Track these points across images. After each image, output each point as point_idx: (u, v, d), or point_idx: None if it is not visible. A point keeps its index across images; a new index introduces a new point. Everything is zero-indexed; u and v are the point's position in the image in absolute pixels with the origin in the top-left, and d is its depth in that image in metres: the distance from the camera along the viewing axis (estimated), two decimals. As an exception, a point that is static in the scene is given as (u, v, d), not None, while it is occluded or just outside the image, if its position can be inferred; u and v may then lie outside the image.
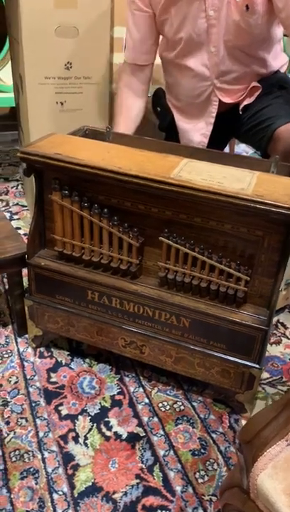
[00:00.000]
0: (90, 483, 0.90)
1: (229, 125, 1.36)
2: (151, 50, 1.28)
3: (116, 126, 1.26)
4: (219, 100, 1.30)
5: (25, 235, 1.67)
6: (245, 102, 1.29)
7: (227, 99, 1.30)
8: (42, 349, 1.20)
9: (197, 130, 1.36)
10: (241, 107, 1.30)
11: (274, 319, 1.36)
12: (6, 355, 1.17)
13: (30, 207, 1.77)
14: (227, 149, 1.73)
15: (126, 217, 0.96)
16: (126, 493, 0.88)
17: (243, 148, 2.35)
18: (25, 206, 1.86)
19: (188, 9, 1.16)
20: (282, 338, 1.29)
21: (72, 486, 0.89)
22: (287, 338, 1.29)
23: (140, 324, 1.03)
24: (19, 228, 1.71)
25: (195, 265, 0.95)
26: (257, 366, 0.96)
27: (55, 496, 0.88)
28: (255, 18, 1.12)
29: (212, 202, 0.84)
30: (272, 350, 1.24)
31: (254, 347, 0.95)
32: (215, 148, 1.45)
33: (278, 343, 1.27)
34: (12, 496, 0.87)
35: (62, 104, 1.43)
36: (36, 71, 1.36)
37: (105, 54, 1.42)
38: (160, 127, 1.54)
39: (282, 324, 1.34)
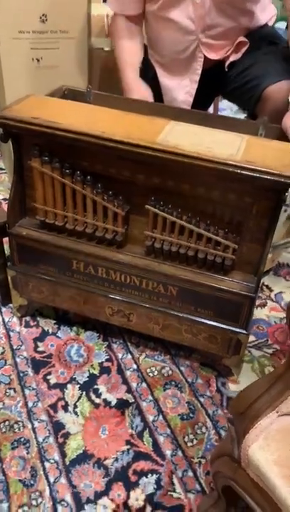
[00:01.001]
0: (81, 451, 0.91)
1: (215, 82, 1.30)
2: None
3: (124, 71, 1.21)
4: (205, 56, 1.23)
5: (4, 199, 1.62)
6: (231, 59, 1.23)
7: (213, 55, 1.23)
8: (27, 318, 1.18)
9: (181, 88, 1.30)
10: (227, 63, 1.24)
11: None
12: (-9, 326, 1.16)
13: (9, 170, 1.70)
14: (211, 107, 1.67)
15: (111, 185, 0.93)
16: (117, 459, 0.90)
17: (227, 104, 2.28)
18: (3, 169, 1.79)
19: None
20: (267, 300, 1.30)
21: (63, 454, 0.91)
22: (272, 300, 1.30)
23: (127, 293, 1.02)
24: (-3, 192, 1.65)
25: (182, 233, 0.93)
26: (244, 332, 0.97)
27: (47, 465, 0.89)
28: None
29: (201, 169, 0.81)
30: (258, 313, 1.26)
31: (242, 313, 0.95)
32: (200, 106, 1.40)
33: (263, 305, 1.28)
34: (4, 466, 0.88)
35: (38, 60, 1.34)
36: (9, 24, 1.26)
37: (82, 5, 1.32)
38: (145, 81, 1.47)
39: (267, 287, 1.35)
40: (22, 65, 1.33)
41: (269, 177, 0.77)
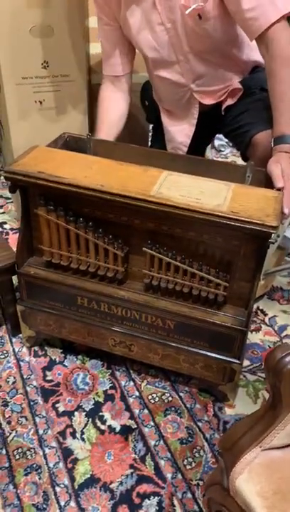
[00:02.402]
0: (89, 475, 0.99)
1: (213, 123, 1.38)
2: (125, 60, 1.29)
3: (98, 133, 1.28)
4: (200, 102, 1.32)
5: (11, 229, 1.71)
6: (227, 103, 1.31)
7: (207, 101, 1.31)
8: (36, 348, 1.27)
9: (180, 130, 1.39)
10: (223, 107, 1.32)
11: (255, 306, 1.44)
12: (3, 356, 1.24)
13: (15, 200, 1.79)
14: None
15: (111, 228, 1.01)
16: (121, 483, 0.98)
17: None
18: (9, 198, 1.88)
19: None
20: (261, 325, 1.37)
21: (72, 479, 0.98)
22: (266, 325, 1.38)
23: (128, 326, 1.10)
24: (5, 223, 1.74)
25: (177, 272, 1.01)
26: (237, 362, 1.04)
27: (58, 489, 0.97)
28: (211, 24, 1.12)
29: (191, 219, 0.89)
30: (252, 337, 1.33)
31: (234, 345, 1.03)
32: (200, 145, 1.49)
33: (257, 330, 1.36)
34: (18, 492, 0.96)
35: (40, 103, 1.43)
36: (13, 72, 1.35)
37: (81, 50, 1.41)
38: (148, 119, 1.56)
39: (262, 311, 1.42)
40: (26, 106, 1.42)
41: (252, 226, 0.85)
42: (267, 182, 1.04)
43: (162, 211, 0.90)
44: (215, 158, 2.26)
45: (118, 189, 0.92)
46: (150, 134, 1.68)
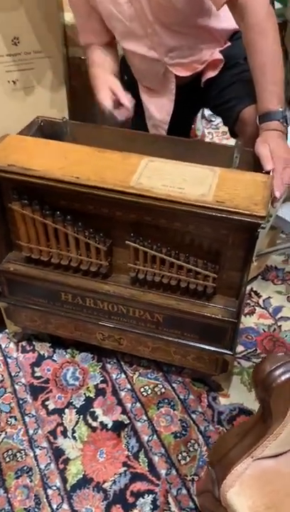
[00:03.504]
0: (81, 476, 0.97)
1: (197, 98, 1.30)
2: (100, 29, 1.19)
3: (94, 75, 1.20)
4: (177, 76, 1.22)
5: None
6: (208, 76, 1.22)
7: (184, 73, 1.22)
8: (24, 343, 1.23)
9: (159, 107, 1.30)
10: (203, 79, 1.23)
11: (249, 288, 1.39)
12: (-11, 354, 1.20)
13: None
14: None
15: (91, 221, 0.95)
16: (115, 482, 0.96)
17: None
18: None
19: None
20: (256, 307, 1.33)
21: (64, 480, 0.96)
22: (260, 307, 1.34)
23: (115, 320, 1.05)
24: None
25: (163, 264, 0.96)
26: (230, 353, 1.01)
27: (50, 492, 0.95)
28: None
29: (172, 210, 0.83)
30: (246, 321, 1.29)
31: (226, 336, 0.98)
32: (186, 118, 1.41)
33: (251, 313, 1.32)
34: (9, 496, 0.94)
35: (14, 83, 1.34)
36: (-19, 51, 1.26)
37: (54, 23, 1.31)
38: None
39: (255, 293, 1.38)
40: (-1, 88, 1.33)
41: (239, 217, 0.79)
42: (256, 163, 0.97)
43: (143, 204, 0.84)
44: (205, 130, 2.17)
45: (95, 181, 0.86)
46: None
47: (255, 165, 0.98)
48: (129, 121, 1.19)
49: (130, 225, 0.94)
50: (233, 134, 1.26)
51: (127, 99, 1.13)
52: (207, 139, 2.10)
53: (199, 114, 1.92)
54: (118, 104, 1.14)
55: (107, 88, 1.14)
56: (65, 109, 1.44)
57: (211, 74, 1.21)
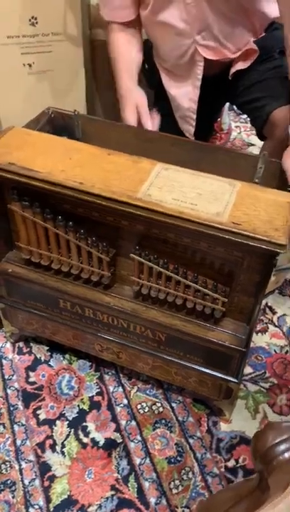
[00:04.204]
0: (66, 496, 0.92)
1: (223, 92, 1.20)
2: (128, 3, 1.08)
3: (119, 78, 1.12)
4: (206, 60, 1.12)
5: None
6: (238, 67, 1.12)
7: (214, 56, 1.12)
8: (21, 344, 1.17)
9: (185, 94, 1.20)
10: (232, 71, 1.13)
11: (263, 302, 1.31)
12: (-16, 352, 1.15)
13: None
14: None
15: (95, 229, 0.87)
16: (100, 506, 0.90)
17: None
18: None
19: None
20: (269, 325, 1.25)
21: (48, 499, 0.91)
22: (274, 325, 1.25)
23: (115, 334, 0.98)
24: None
25: (169, 281, 0.88)
26: (235, 381, 0.93)
27: (31, 511, 0.90)
28: None
29: (182, 228, 0.74)
30: (257, 339, 1.21)
31: (232, 363, 0.91)
32: (210, 114, 1.31)
33: (264, 331, 1.23)
34: (-11, 511, 0.90)
35: (30, 66, 1.26)
36: (-4, 30, 1.18)
37: (75, 3, 1.21)
38: (149, 85, 1.37)
39: (270, 309, 1.29)
40: (12, 71, 1.24)
41: (256, 244, 0.71)
42: (282, 176, 0.88)
43: (149, 218, 0.75)
44: (232, 123, 2.05)
45: (99, 188, 0.77)
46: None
47: (281, 178, 0.88)
48: None
49: (136, 236, 0.86)
50: (261, 136, 1.16)
51: (151, 121, 1.05)
52: (234, 134, 1.99)
53: (226, 106, 1.80)
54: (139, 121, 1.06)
55: (133, 105, 1.06)
56: (83, 97, 1.36)
57: (241, 65, 1.11)
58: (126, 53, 1.15)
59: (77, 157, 0.84)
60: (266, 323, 1.25)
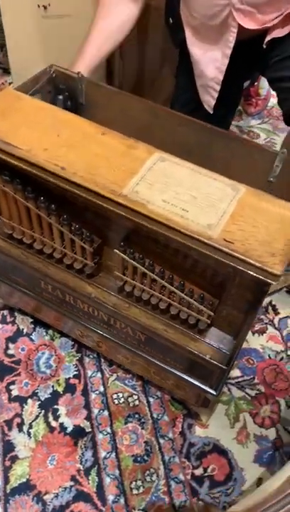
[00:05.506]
0: (25, 480, 0.90)
1: (253, 61, 1.04)
2: None
3: (85, 45, 0.97)
4: (240, 26, 0.96)
5: None
6: (274, 34, 0.95)
7: (251, 24, 0.96)
8: (5, 312, 1.13)
9: (211, 61, 1.05)
10: (267, 39, 0.97)
11: (266, 300, 1.22)
12: None
13: None
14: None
15: (81, 214, 0.79)
16: (57, 496, 0.89)
17: None
18: None
19: None
20: (268, 326, 1.16)
21: (6, 480, 0.90)
22: (274, 327, 1.16)
23: (95, 324, 0.92)
24: None
25: (155, 283, 0.80)
26: (213, 393, 0.86)
27: (-12, 489, 0.89)
28: None
29: (166, 237, 0.65)
30: (253, 340, 1.13)
31: (212, 376, 0.84)
32: (235, 83, 1.16)
33: (262, 332, 1.15)
34: None
35: (44, 8, 1.11)
36: None
37: None
38: (174, 43, 1.21)
39: (273, 308, 1.20)
40: (25, 13, 1.11)
41: (246, 269, 0.61)
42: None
43: (132, 221, 0.66)
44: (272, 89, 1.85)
45: (81, 177, 0.68)
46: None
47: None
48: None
49: (124, 229, 0.77)
50: (289, 120, 1.01)
51: None
52: (272, 101, 1.80)
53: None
54: None
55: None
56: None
57: (278, 33, 0.95)
58: (110, 11, 0.99)
59: (66, 134, 0.74)
60: (265, 323, 1.17)
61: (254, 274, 0.61)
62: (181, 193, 0.67)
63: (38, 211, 0.80)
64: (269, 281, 0.60)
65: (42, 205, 0.78)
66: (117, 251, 0.77)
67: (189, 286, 0.77)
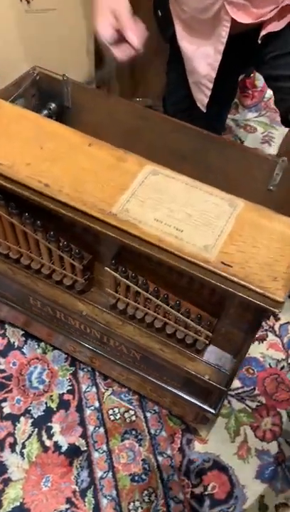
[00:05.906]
0: (18, 503, 0.87)
1: (247, 57, 0.98)
2: None
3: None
4: (233, 20, 0.90)
5: None
6: (269, 29, 0.89)
7: (244, 19, 0.90)
8: (-5, 324, 1.09)
9: (203, 57, 0.98)
10: (262, 33, 0.91)
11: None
12: None
13: None
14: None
15: (69, 229, 0.74)
16: (52, 520, 0.86)
17: None
18: None
19: None
20: (268, 333, 1.12)
21: (-1, 505, 0.87)
22: (274, 334, 1.12)
23: (88, 340, 0.88)
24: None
25: (149, 302, 0.75)
26: (212, 412, 0.83)
27: (-20, 515, 0.86)
28: None
29: (159, 260, 0.60)
30: (253, 349, 1.09)
31: (211, 397, 0.80)
32: (228, 79, 1.09)
33: (262, 340, 1.11)
34: None
35: (27, 2, 1.05)
36: None
37: None
38: (163, 37, 1.14)
39: (273, 314, 1.15)
40: (5, 6, 1.04)
41: (245, 296, 0.57)
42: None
43: (122, 242, 0.61)
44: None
45: (67, 195, 0.63)
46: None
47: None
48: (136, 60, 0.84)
49: (115, 246, 0.72)
50: (286, 121, 0.96)
51: (135, 33, 0.78)
52: (269, 93, 1.73)
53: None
54: (121, 37, 0.79)
55: (109, 13, 0.79)
56: (91, 46, 1.15)
57: (274, 27, 0.89)
58: None
59: (50, 146, 0.69)
60: (265, 330, 1.13)
61: (256, 301, 0.56)
62: (175, 211, 0.62)
63: (24, 227, 0.75)
64: (272, 308, 0.56)
65: (27, 221, 0.73)
66: (108, 269, 0.72)
67: (185, 306, 0.72)
